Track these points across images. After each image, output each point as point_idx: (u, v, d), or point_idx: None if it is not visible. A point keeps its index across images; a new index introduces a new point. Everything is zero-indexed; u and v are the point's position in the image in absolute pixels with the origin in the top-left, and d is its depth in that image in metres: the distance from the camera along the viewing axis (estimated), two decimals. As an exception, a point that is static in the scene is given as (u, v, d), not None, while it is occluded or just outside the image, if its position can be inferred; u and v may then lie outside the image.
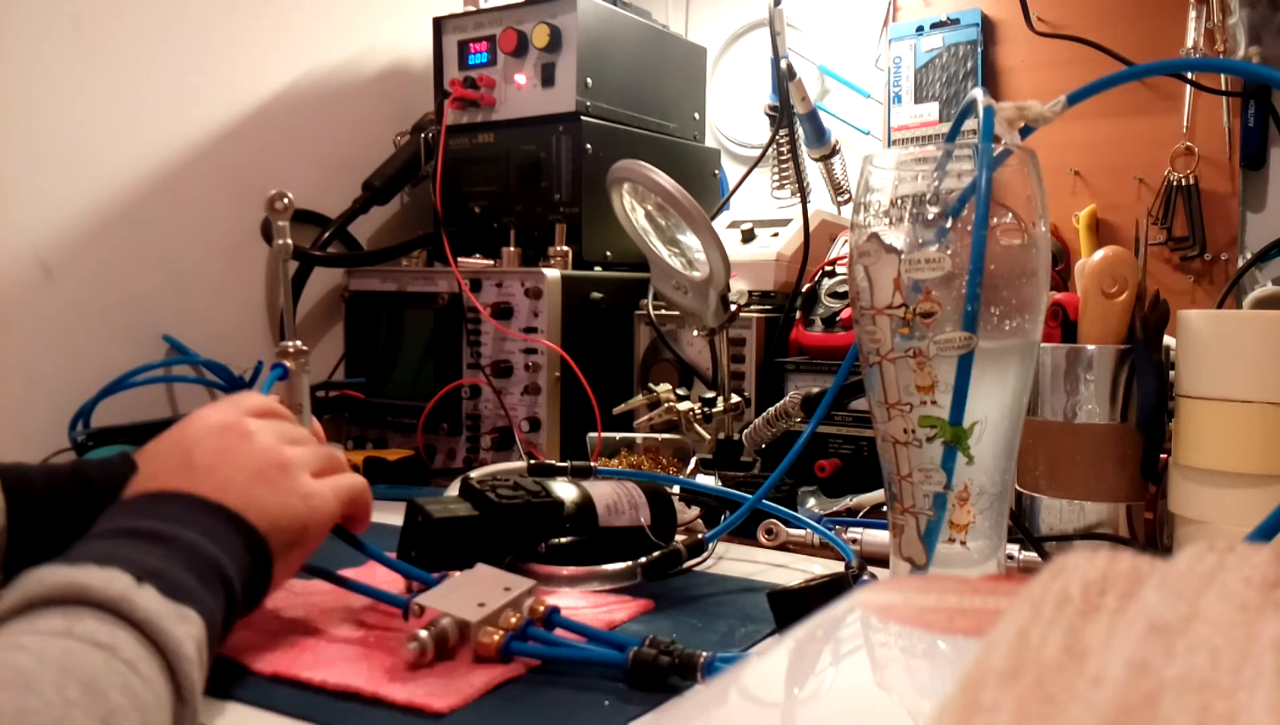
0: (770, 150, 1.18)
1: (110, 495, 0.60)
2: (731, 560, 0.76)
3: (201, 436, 0.54)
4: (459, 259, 1.07)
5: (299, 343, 0.70)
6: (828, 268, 1.06)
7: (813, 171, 1.21)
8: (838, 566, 0.66)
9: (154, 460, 0.53)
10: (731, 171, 1.37)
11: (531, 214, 1.15)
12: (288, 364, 0.69)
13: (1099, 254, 0.75)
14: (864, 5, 1.28)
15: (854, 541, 0.75)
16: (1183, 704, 0.19)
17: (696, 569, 0.73)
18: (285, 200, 0.71)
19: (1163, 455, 0.73)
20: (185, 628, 0.42)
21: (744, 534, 0.79)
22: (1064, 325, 0.76)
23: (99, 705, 0.35)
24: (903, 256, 0.53)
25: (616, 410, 0.99)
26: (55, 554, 0.56)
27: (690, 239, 0.97)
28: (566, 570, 0.66)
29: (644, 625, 0.61)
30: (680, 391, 0.98)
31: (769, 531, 0.79)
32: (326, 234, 1.18)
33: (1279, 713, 0.18)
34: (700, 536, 0.71)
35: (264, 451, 0.54)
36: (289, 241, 0.72)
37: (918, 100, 1.21)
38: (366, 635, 0.57)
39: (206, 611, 0.44)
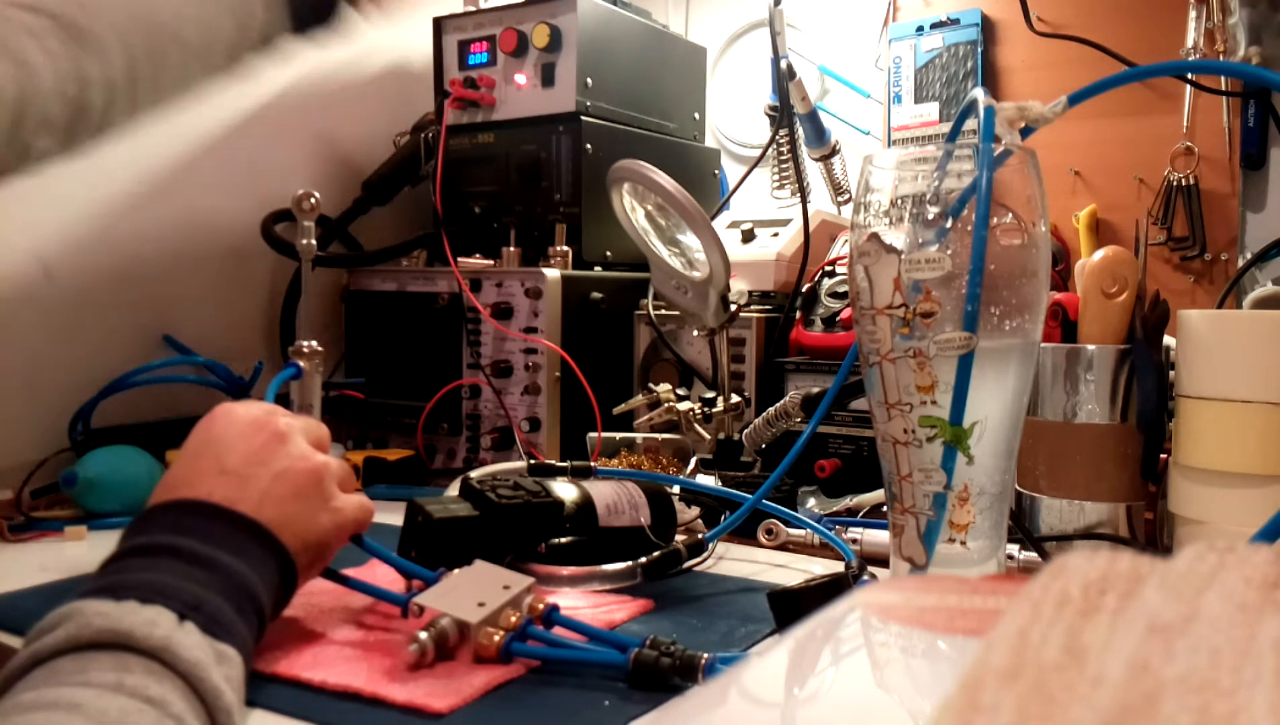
0: (770, 150, 1.18)
1: None
2: (731, 560, 0.76)
3: (235, 438, 0.54)
4: (459, 259, 1.07)
5: (314, 343, 0.70)
6: (828, 268, 1.06)
7: (813, 171, 1.21)
8: (838, 566, 0.66)
9: (188, 461, 0.53)
10: (731, 171, 1.37)
11: (531, 214, 1.15)
12: (301, 364, 0.69)
13: (1099, 254, 0.75)
14: (864, 5, 1.28)
15: (854, 541, 0.75)
16: (1183, 704, 0.19)
17: (696, 569, 0.73)
18: (312, 200, 0.71)
19: (1163, 455, 0.73)
20: (224, 669, 0.43)
21: (744, 534, 0.79)
22: (1064, 325, 0.76)
23: None
24: (903, 256, 0.53)
25: (616, 410, 0.99)
26: None
27: (690, 239, 0.97)
28: (566, 570, 0.66)
29: (644, 625, 0.61)
30: (680, 391, 0.97)
31: (769, 531, 0.79)
32: (326, 234, 1.18)
33: (1279, 713, 0.18)
34: (700, 536, 0.71)
35: (299, 460, 0.54)
36: (313, 242, 0.72)
37: (918, 100, 1.21)
38: (366, 635, 0.57)
39: (243, 644, 0.46)
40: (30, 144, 0.69)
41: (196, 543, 0.47)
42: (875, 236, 0.55)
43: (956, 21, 1.18)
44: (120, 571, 0.46)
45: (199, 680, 0.41)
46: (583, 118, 1.13)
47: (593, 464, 0.79)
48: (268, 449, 0.53)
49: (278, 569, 0.51)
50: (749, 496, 0.74)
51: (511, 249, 1.09)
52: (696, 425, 0.94)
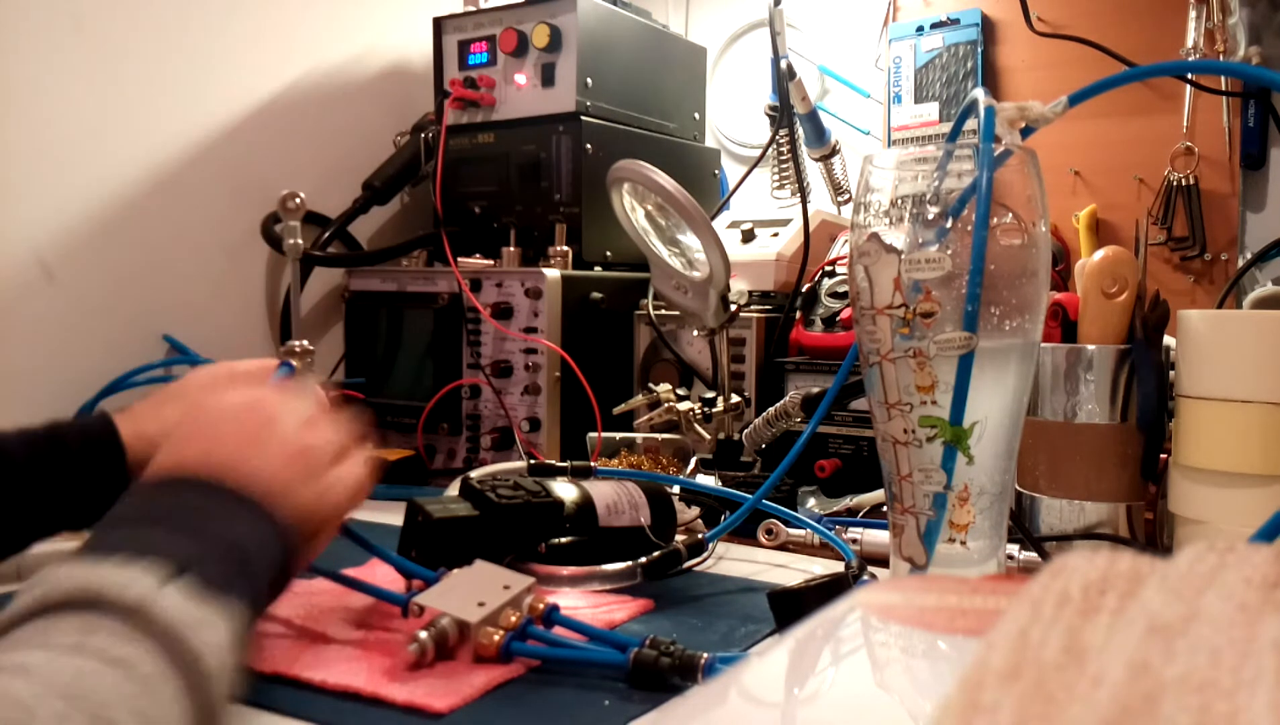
0: (770, 150, 1.18)
1: (87, 456, 0.59)
2: (731, 560, 0.76)
3: (226, 416, 0.51)
4: (459, 259, 1.07)
5: (305, 342, 0.70)
6: (828, 268, 1.06)
7: (813, 171, 1.21)
8: (838, 566, 0.66)
9: (178, 440, 0.51)
10: (731, 171, 1.37)
11: (531, 214, 1.15)
12: (294, 363, 0.70)
13: (1099, 254, 0.75)
14: (864, 5, 1.28)
15: (854, 541, 0.75)
16: (1183, 704, 0.19)
17: (696, 569, 0.73)
18: (297, 200, 0.71)
19: (1163, 455, 0.73)
20: (208, 634, 0.39)
21: (744, 534, 0.79)
22: (1064, 325, 0.76)
23: None
24: (903, 256, 0.53)
25: (616, 410, 0.99)
26: (32, 518, 0.55)
27: (690, 239, 0.97)
28: (566, 570, 0.66)
29: (644, 625, 0.61)
30: (680, 391, 0.97)
31: (769, 531, 0.79)
32: (326, 234, 1.18)
33: (1279, 712, 0.18)
34: (700, 536, 0.71)
35: (290, 437, 0.52)
36: (299, 241, 0.72)
37: (918, 100, 1.21)
38: (366, 635, 0.57)
39: (233, 611, 0.42)
40: None
41: (182, 511, 0.45)
42: (875, 236, 0.55)
43: (956, 21, 1.18)
44: (104, 538, 0.43)
45: (176, 642, 0.37)
46: (583, 118, 1.12)
47: (593, 464, 0.79)
48: (258, 427, 0.51)
49: (272, 540, 0.48)
50: (749, 496, 0.74)
51: (511, 249, 1.09)
52: (696, 425, 0.94)
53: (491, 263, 1.09)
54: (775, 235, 1.13)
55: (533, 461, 0.79)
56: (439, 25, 1.23)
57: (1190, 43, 1.05)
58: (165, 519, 0.45)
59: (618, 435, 0.97)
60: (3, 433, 0.58)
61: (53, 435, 0.59)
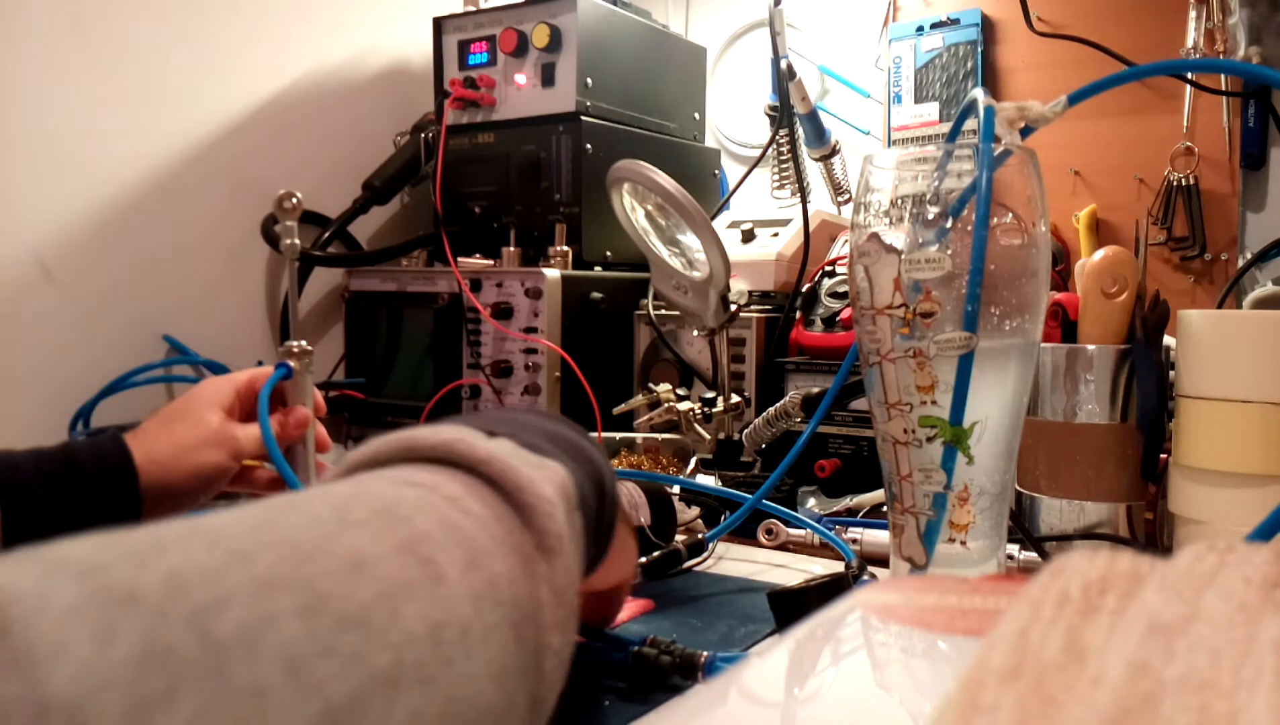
0: (770, 150, 1.18)
1: (101, 480, 0.59)
2: (731, 560, 0.76)
3: None
4: (459, 259, 1.07)
5: (303, 343, 0.70)
6: (828, 268, 1.06)
7: (813, 171, 1.21)
8: (838, 566, 0.66)
9: None
10: (731, 171, 1.37)
11: (531, 214, 1.15)
12: (292, 364, 0.69)
13: (1099, 254, 0.75)
14: (864, 5, 1.28)
15: (854, 541, 0.75)
16: (1183, 704, 0.19)
17: (696, 569, 0.73)
18: (294, 200, 0.71)
19: (1163, 455, 0.73)
20: (542, 473, 0.34)
21: (744, 534, 0.79)
22: (1064, 325, 0.76)
23: (398, 529, 0.27)
24: (903, 256, 0.53)
25: (616, 410, 0.99)
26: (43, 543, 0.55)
27: (690, 239, 0.97)
28: (566, 570, 0.66)
29: (644, 625, 0.61)
30: (680, 391, 0.97)
31: (769, 531, 0.79)
32: (326, 234, 1.18)
33: (1279, 712, 0.18)
34: (700, 536, 0.71)
35: None
36: (296, 241, 0.72)
37: (918, 100, 1.21)
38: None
39: (572, 474, 0.36)
40: None
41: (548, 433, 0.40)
42: (875, 236, 0.55)
43: (956, 21, 1.18)
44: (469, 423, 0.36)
45: (503, 470, 0.32)
46: (583, 118, 1.12)
47: (593, 464, 0.79)
48: None
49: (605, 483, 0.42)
50: (749, 496, 0.74)
51: (511, 249, 1.09)
52: (696, 425, 0.94)
53: (491, 263, 1.09)
54: (775, 235, 1.13)
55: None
56: (439, 25, 1.23)
57: (1190, 43, 1.05)
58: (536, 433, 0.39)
59: (618, 435, 0.97)
60: (17, 456, 0.57)
61: (67, 460, 0.58)
